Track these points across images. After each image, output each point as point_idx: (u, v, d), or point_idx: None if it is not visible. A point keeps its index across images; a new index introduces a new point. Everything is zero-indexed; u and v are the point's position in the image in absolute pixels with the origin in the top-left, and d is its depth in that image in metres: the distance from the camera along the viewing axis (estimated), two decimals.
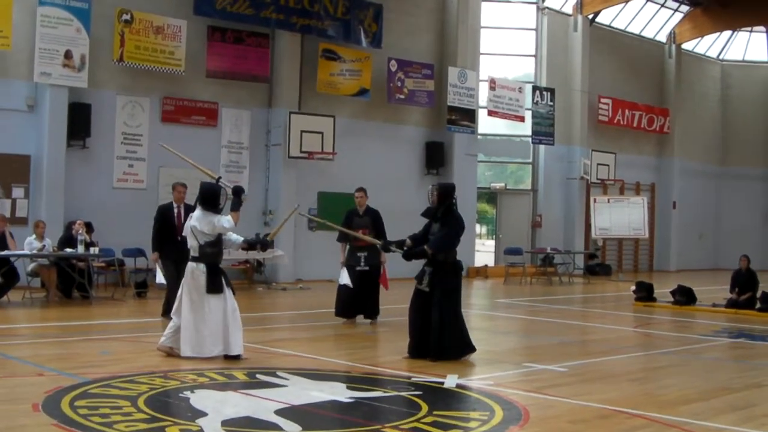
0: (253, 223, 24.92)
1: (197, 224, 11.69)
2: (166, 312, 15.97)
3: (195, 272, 11.65)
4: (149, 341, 13.37)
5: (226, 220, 11.66)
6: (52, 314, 16.97)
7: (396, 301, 16.04)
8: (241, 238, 12.32)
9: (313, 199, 26.60)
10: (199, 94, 24.55)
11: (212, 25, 24.39)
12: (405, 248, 12.61)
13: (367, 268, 16.14)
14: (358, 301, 16.08)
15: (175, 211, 16.22)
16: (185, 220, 16.11)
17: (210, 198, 11.80)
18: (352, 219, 16.13)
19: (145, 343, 13.28)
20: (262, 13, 24.69)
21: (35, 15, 21.22)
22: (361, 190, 16.65)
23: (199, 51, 24.16)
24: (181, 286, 11.85)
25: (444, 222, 12.37)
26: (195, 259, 11.73)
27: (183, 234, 12.16)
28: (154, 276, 16.65)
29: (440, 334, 12.01)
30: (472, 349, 12.38)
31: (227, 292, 11.73)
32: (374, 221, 16.30)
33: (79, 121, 21.99)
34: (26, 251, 18.66)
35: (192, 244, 11.77)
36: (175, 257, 15.98)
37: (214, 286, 11.60)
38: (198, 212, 11.82)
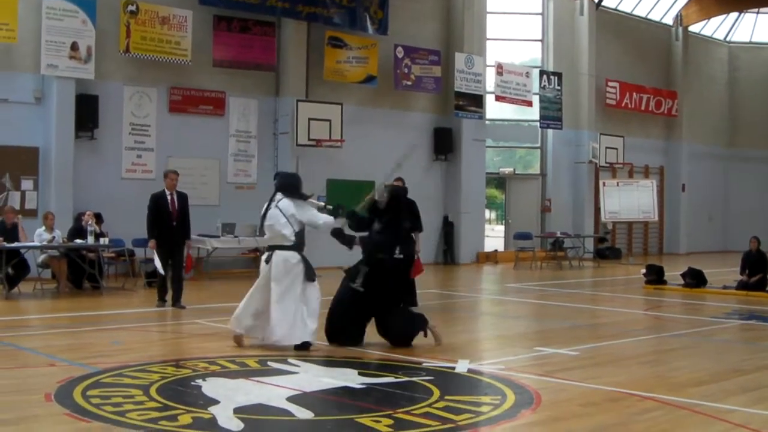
0: (261, 211, 24.93)
1: (296, 213, 11.57)
2: (161, 297, 16.24)
3: (288, 261, 11.49)
4: (160, 331, 13.44)
5: (323, 219, 11.75)
6: (62, 305, 17.02)
7: None
8: (331, 219, 11.95)
9: (322, 187, 26.59)
10: (206, 84, 24.55)
11: (218, 15, 24.37)
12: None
13: (402, 256, 16.10)
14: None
15: (168, 198, 16.37)
16: (179, 207, 16.35)
17: (290, 186, 11.82)
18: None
19: (156, 332, 13.34)
20: (267, 2, 24.64)
21: (41, 7, 21.23)
22: (400, 179, 16.68)
23: (205, 41, 24.14)
24: (264, 276, 11.66)
25: (392, 216, 12.23)
26: (286, 248, 11.55)
27: (267, 223, 11.85)
28: (153, 264, 16.71)
29: (405, 332, 12.02)
30: (423, 321, 12.19)
31: (316, 281, 11.74)
32: (410, 212, 16.28)
33: (87, 113, 22.02)
34: (36, 243, 18.71)
35: (283, 232, 11.55)
36: (170, 244, 16.19)
37: (309, 274, 11.54)
38: (287, 201, 11.67)
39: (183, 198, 16.62)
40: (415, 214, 16.40)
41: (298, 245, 11.56)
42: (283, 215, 11.55)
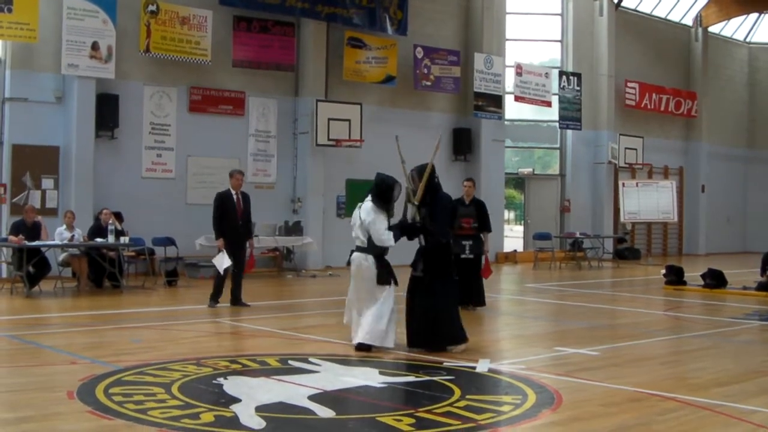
0: (281, 211, 25.04)
1: (366, 218, 11.42)
2: (215, 299, 16.23)
3: (363, 264, 11.48)
4: (180, 329, 13.47)
5: (387, 236, 11.37)
6: (83, 303, 17.08)
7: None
8: (392, 242, 11.53)
9: (341, 187, 26.66)
10: (226, 84, 24.61)
11: (238, 15, 24.43)
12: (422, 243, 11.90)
13: (472, 256, 16.15)
14: (464, 289, 15.31)
15: (234, 197, 16.46)
16: (244, 207, 16.43)
17: (382, 191, 11.56)
18: (458, 208, 15.92)
19: (176, 330, 13.37)
20: (287, 2, 24.68)
21: (62, 7, 21.30)
22: (470, 180, 16.85)
23: (225, 41, 24.21)
24: (352, 276, 11.74)
25: (432, 205, 11.86)
26: (362, 250, 11.54)
27: (351, 222, 11.75)
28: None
29: (431, 320, 11.59)
30: (464, 338, 11.77)
31: (392, 285, 11.60)
32: (479, 212, 16.37)
33: (107, 112, 22.09)
34: (57, 241, 18.79)
35: (358, 234, 11.57)
36: (234, 243, 16.23)
37: (382, 277, 11.42)
38: (369, 204, 11.51)
39: (247, 198, 16.75)
40: (485, 214, 16.49)
41: (372, 248, 11.43)
42: (360, 218, 11.56)
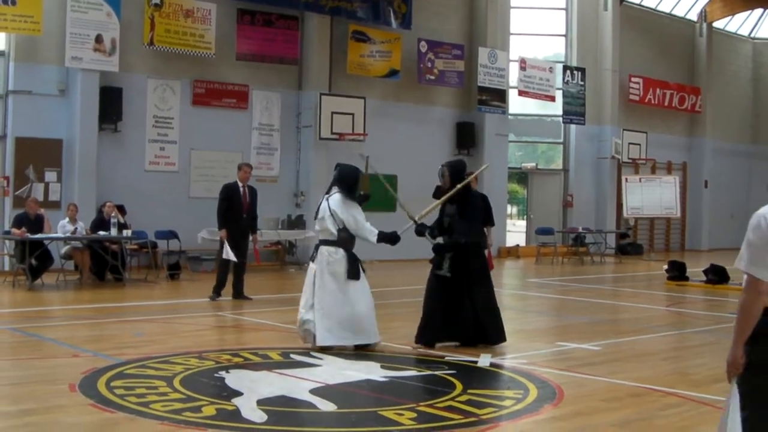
0: (284, 204, 25.04)
1: (338, 210, 10.90)
2: (218, 291, 16.21)
3: (331, 257, 10.90)
4: (182, 322, 13.48)
5: (370, 231, 11.02)
6: (85, 296, 17.11)
7: (411, 282, 15.99)
8: (374, 239, 11.13)
9: None
10: (230, 77, 24.60)
11: (241, 8, 24.42)
12: (435, 241, 11.75)
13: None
14: None
15: (241, 190, 16.49)
16: (250, 200, 16.40)
17: (351, 181, 11.11)
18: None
19: (178, 324, 13.39)
20: None
21: (65, 0, 21.29)
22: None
23: (229, 34, 24.20)
24: (310, 275, 11.09)
25: (462, 203, 11.76)
26: (330, 243, 10.96)
27: (318, 216, 11.16)
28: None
29: (480, 320, 11.41)
30: (505, 338, 11.69)
31: (364, 278, 11.10)
32: (483, 204, 16.20)
33: (111, 105, 22.08)
34: (60, 234, 18.80)
35: (327, 227, 10.97)
36: (238, 236, 16.24)
37: (353, 271, 10.89)
38: (338, 196, 10.99)
39: (254, 192, 16.77)
40: (488, 208, 16.41)
41: (342, 241, 10.93)
42: (329, 210, 10.98)
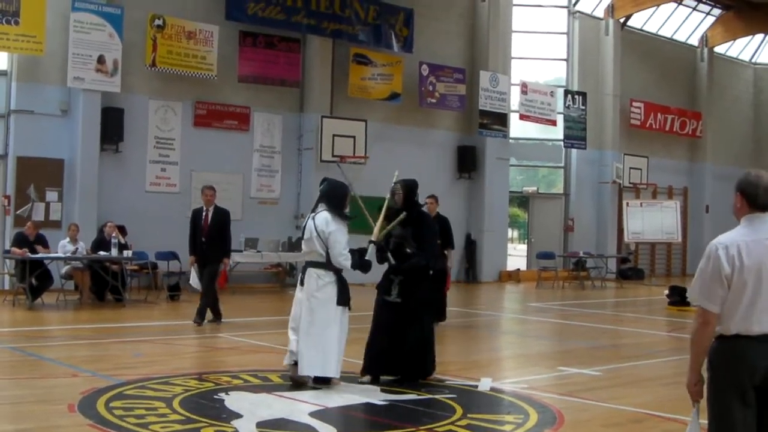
0: (284, 226, 25.04)
1: (326, 229, 9.91)
2: (200, 315, 16.01)
3: (320, 280, 9.97)
4: (182, 344, 13.45)
5: (345, 257, 9.94)
6: (85, 316, 17.11)
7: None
8: (348, 265, 10.02)
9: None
10: (231, 99, 24.63)
11: (244, 30, 24.48)
12: (393, 263, 10.75)
13: (431, 272, 16.01)
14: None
15: (203, 213, 16.28)
16: (212, 223, 16.19)
17: (339, 198, 10.28)
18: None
19: (178, 345, 13.36)
20: (293, 18, 24.77)
21: (68, 21, 21.35)
22: (432, 197, 16.44)
23: (231, 56, 24.25)
24: (298, 300, 10.17)
25: (418, 225, 10.95)
26: (318, 265, 10.05)
27: (305, 237, 10.18)
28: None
29: (420, 351, 10.65)
30: (434, 369, 10.89)
31: (347, 307, 10.16)
32: (442, 228, 15.57)
33: (112, 126, 22.12)
34: (60, 254, 18.80)
35: (315, 248, 10.04)
36: (200, 261, 16.06)
37: (343, 298, 10.02)
38: (326, 215, 10.01)
39: (220, 214, 16.27)
40: (448, 231, 16.32)
41: (332, 263, 9.96)
42: (315, 230, 9.99)
